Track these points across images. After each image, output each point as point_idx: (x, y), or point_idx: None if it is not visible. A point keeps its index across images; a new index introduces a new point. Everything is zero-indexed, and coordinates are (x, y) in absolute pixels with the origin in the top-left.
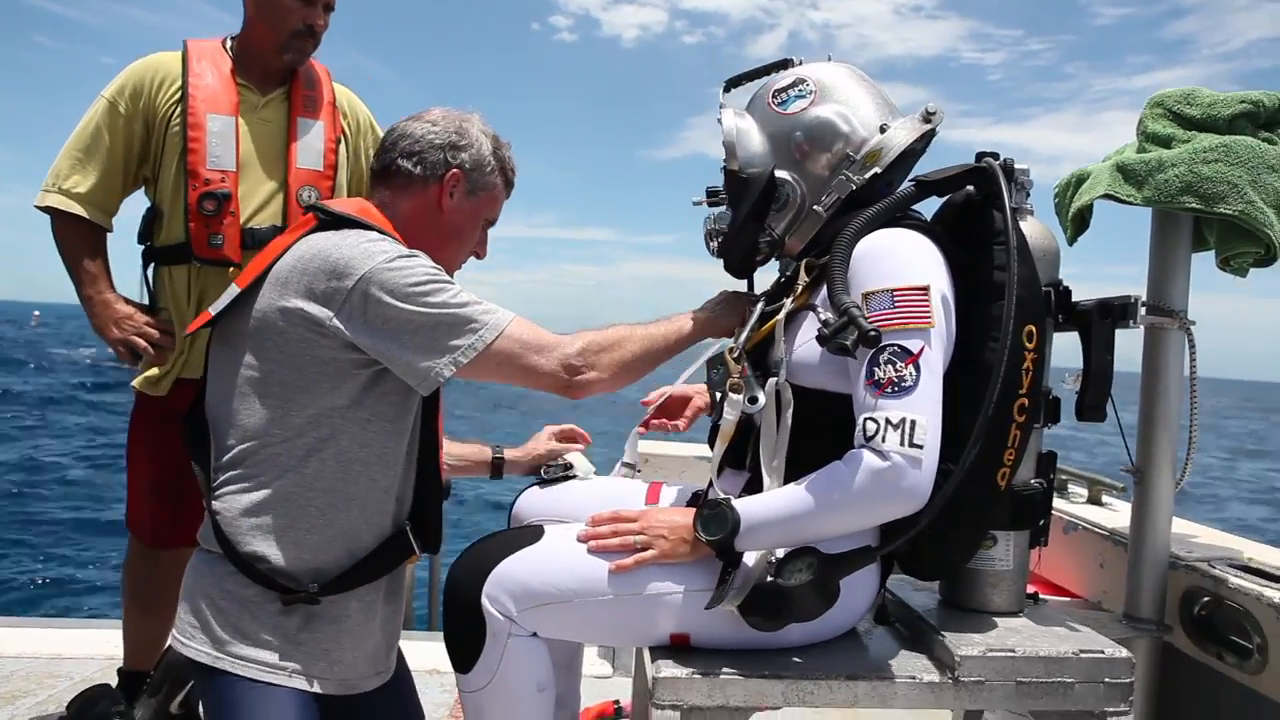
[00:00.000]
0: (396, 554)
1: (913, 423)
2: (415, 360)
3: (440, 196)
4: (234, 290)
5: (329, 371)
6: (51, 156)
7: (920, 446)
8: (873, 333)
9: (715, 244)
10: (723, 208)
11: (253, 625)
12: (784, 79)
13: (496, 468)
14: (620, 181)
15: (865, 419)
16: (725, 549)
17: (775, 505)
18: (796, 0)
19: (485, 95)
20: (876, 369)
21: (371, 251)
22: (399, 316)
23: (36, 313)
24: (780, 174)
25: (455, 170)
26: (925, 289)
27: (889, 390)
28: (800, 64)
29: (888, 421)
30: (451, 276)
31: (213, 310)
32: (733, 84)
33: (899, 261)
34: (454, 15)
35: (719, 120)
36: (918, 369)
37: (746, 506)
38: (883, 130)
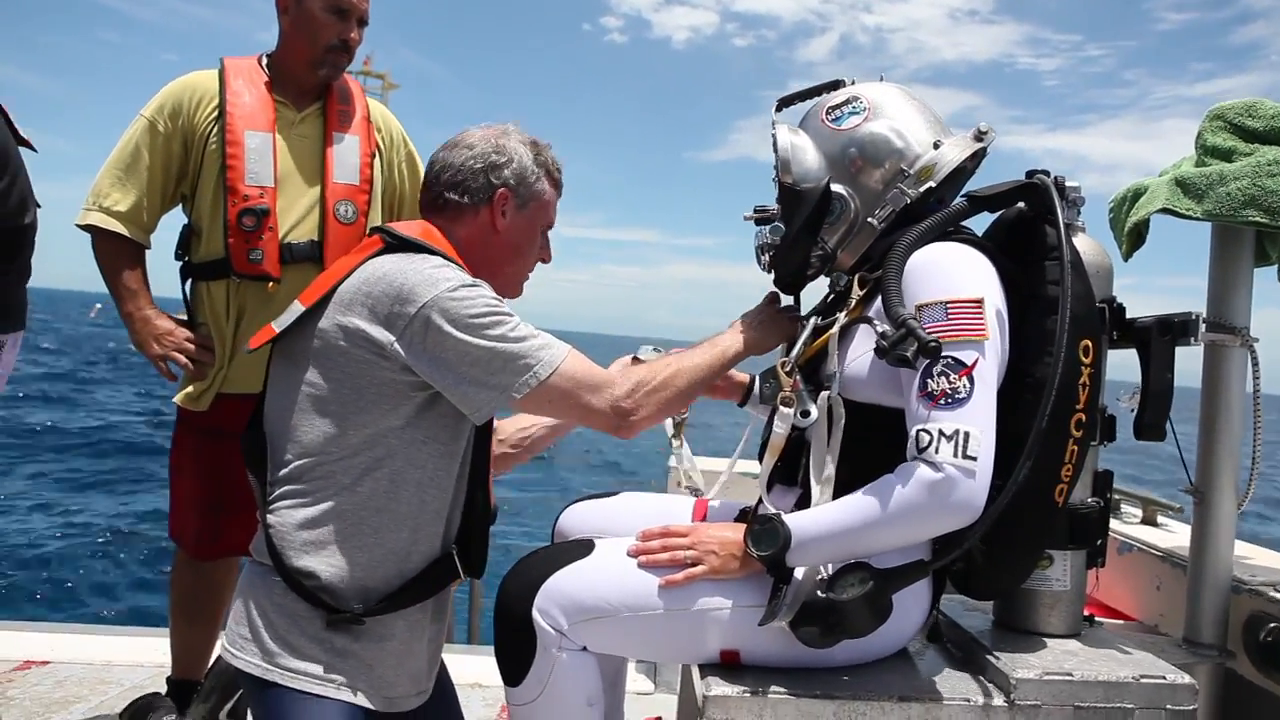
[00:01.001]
0: (442, 576)
1: (966, 434)
2: (470, 391)
3: (493, 219)
4: (298, 308)
5: (387, 393)
6: (108, 150)
7: (974, 458)
8: (933, 343)
9: (767, 258)
10: (772, 224)
11: (301, 639)
12: (837, 97)
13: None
14: (666, 183)
15: (918, 430)
16: (776, 564)
17: (826, 519)
18: (849, 4)
19: (535, 95)
20: (930, 381)
21: (436, 279)
22: (458, 347)
23: (98, 305)
24: (835, 188)
25: (502, 190)
26: (979, 302)
27: (942, 402)
28: (852, 84)
29: (941, 433)
30: (520, 288)
31: (277, 326)
32: (785, 103)
33: (952, 274)
34: (506, 16)
35: (773, 136)
36: (971, 381)
37: (798, 521)
38: (936, 147)
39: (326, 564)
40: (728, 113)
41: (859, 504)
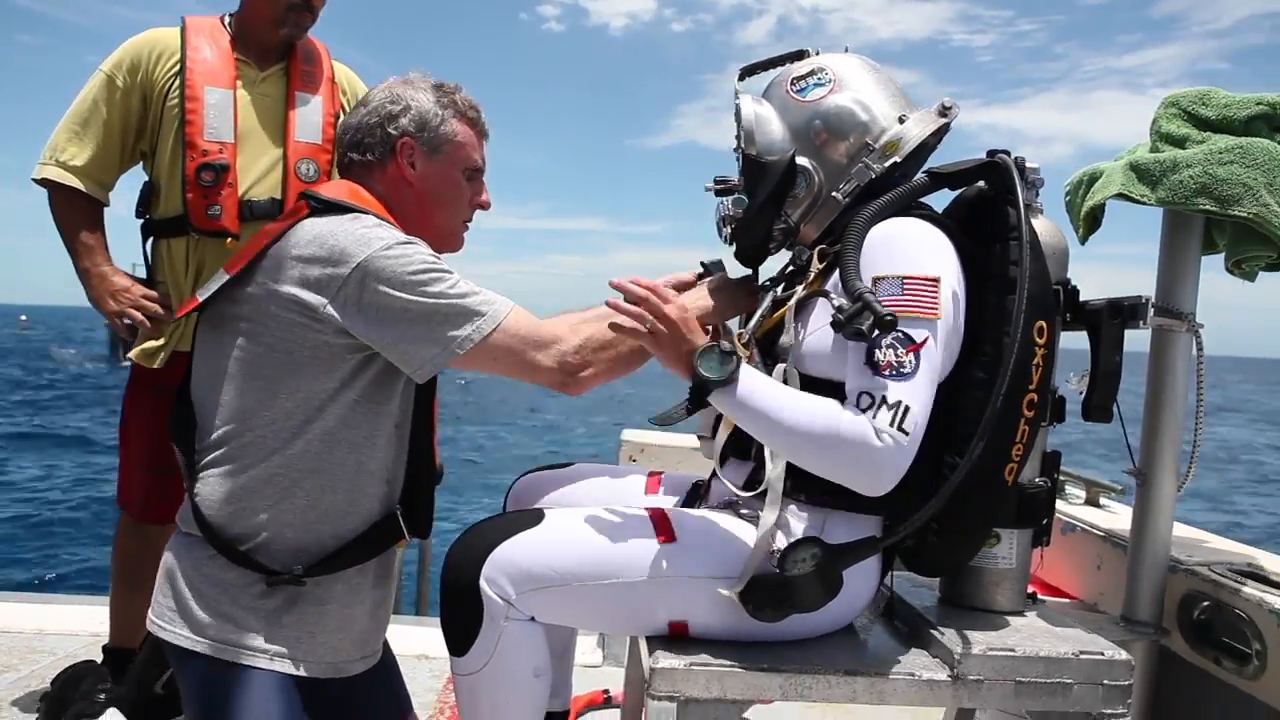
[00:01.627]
0: (385, 537)
1: (906, 408)
2: (411, 349)
3: (401, 171)
4: (223, 275)
5: (321, 356)
6: (33, 158)
7: (907, 434)
8: (889, 318)
9: (729, 229)
10: (734, 196)
11: (233, 608)
12: (802, 67)
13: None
14: (610, 171)
15: (861, 391)
16: (701, 389)
17: (769, 396)
18: None
19: (473, 85)
20: (877, 351)
21: (368, 238)
22: (395, 305)
23: (23, 316)
24: (800, 160)
25: (402, 139)
26: (936, 280)
27: (887, 373)
28: (817, 54)
29: (884, 399)
30: (459, 239)
31: (200, 295)
32: (748, 72)
33: (911, 250)
34: (441, 6)
35: (736, 107)
36: (918, 358)
37: (748, 380)
38: (901, 121)
39: (260, 528)
40: (669, 98)
41: (802, 411)
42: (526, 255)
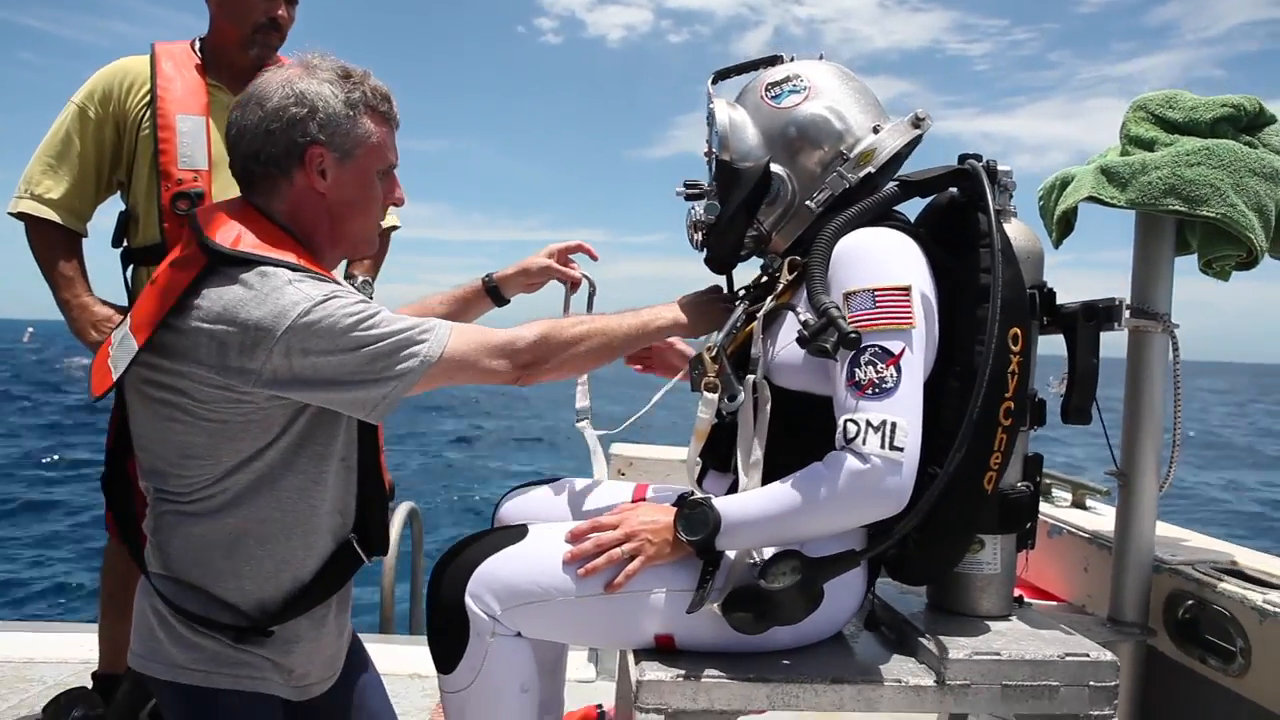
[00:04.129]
0: (344, 569)
1: (894, 425)
2: (360, 395)
3: (310, 182)
4: (132, 345)
5: (255, 419)
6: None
7: (901, 449)
8: (853, 334)
9: (700, 235)
10: (705, 201)
11: (205, 641)
12: (777, 74)
13: (494, 293)
14: (609, 182)
15: (846, 420)
16: (706, 549)
17: (755, 505)
18: None
19: (471, 98)
20: (857, 370)
21: (283, 306)
22: (331, 365)
23: (30, 329)
24: (774, 168)
25: (312, 148)
26: (907, 289)
27: (870, 392)
28: (791, 60)
29: (868, 423)
30: (373, 241)
31: (114, 367)
32: (721, 76)
33: (881, 261)
34: (438, 20)
35: (709, 110)
36: (899, 370)
37: (726, 506)
38: (875, 131)
39: (218, 584)
40: (666, 109)
41: (787, 491)
42: None
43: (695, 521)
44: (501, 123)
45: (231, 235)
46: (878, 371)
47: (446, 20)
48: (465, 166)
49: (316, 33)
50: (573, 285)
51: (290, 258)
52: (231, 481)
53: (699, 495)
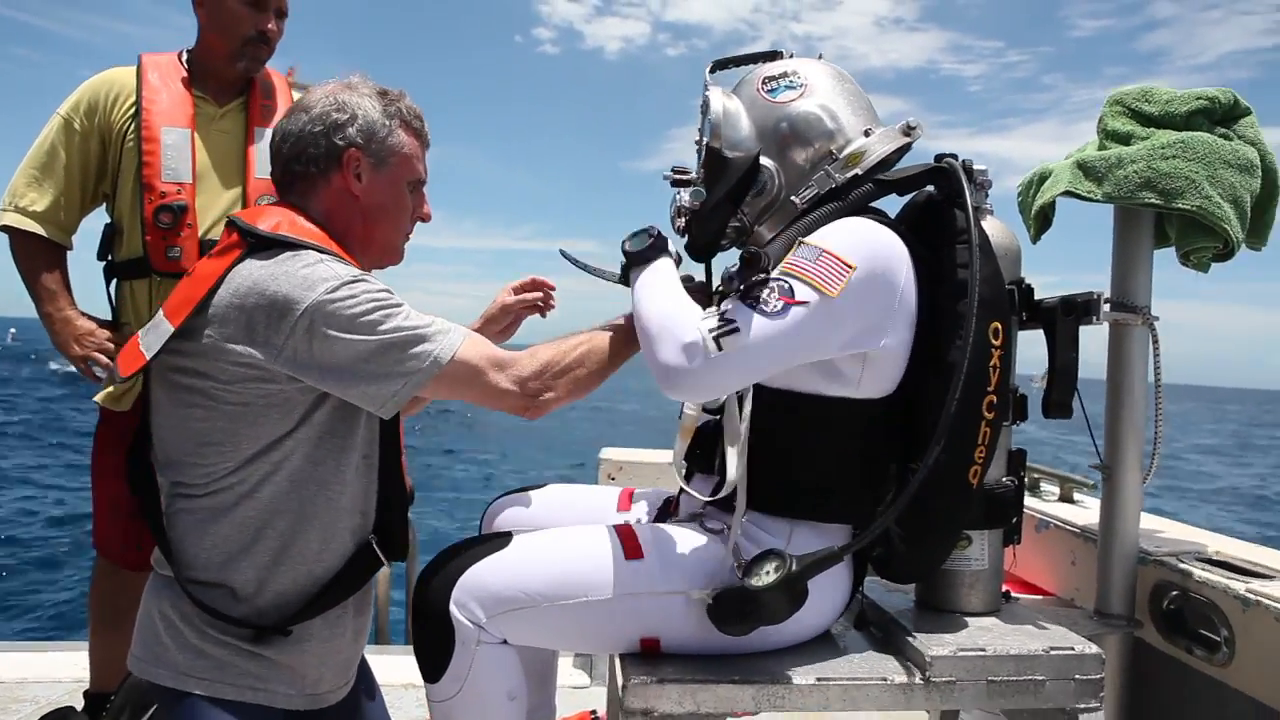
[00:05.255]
0: (363, 570)
1: (735, 330)
2: (371, 389)
3: (347, 184)
4: (167, 327)
5: (275, 403)
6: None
7: (720, 350)
8: (762, 276)
9: (683, 221)
10: (691, 189)
11: (214, 648)
12: (774, 68)
13: None
14: (604, 192)
15: (713, 309)
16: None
17: (659, 282)
18: (779, 13)
19: (468, 107)
20: (754, 287)
21: (311, 281)
22: (347, 349)
23: (12, 330)
24: (763, 161)
25: (350, 150)
26: (851, 268)
27: (748, 302)
28: (791, 57)
29: (724, 313)
30: (400, 252)
31: (146, 350)
32: (719, 66)
33: (844, 236)
34: (436, 29)
35: (705, 98)
36: (786, 310)
37: (662, 266)
38: (866, 134)
39: (236, 577)
40: (662, 121)
41: (664, 297)
42: (517, 276)
43: (638, 240)
44: (496, 131)
45: (270, 223)
46: (767, 294)
47: (445, 28)
48: (458, 174)
49: (315, 39)
50: (544, 311)
51: (327, 246)
52: (250, 471)
53: (692, 494)
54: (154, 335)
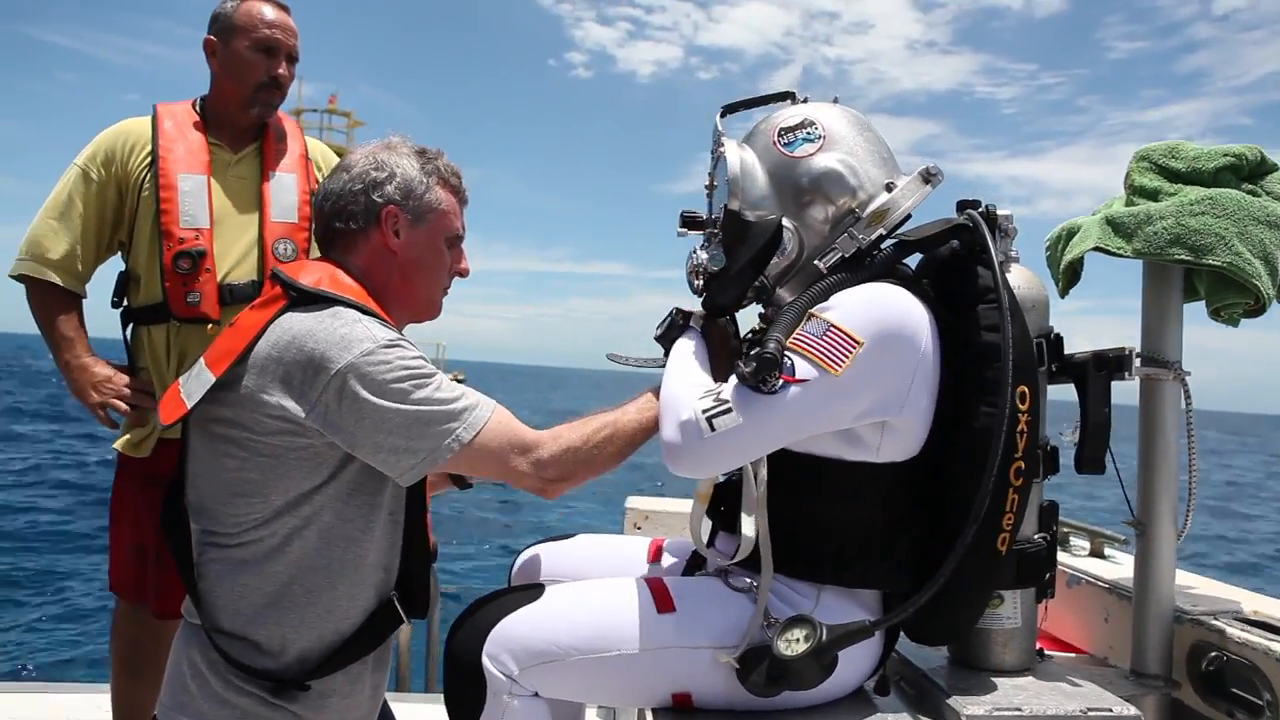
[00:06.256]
0: (384, 627)
1: (727, 411)
2: (391, 459)
3: (385, 240)
4: (209, 377)
5: (306, 457)
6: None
7: (713, 430)
8: (769, 355)
9: (700, 281)
10: (710, 248)
11: (239, 697)
12: (790, 118)
13: (458, 478)
14: (634, 215)
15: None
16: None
17: (685, 356)
18: (810, 36)
19: (501, 129)
20: (755, 371)
21: (349, 341)
22: (376, 414)
23: None
24: (784, 223)
25: (388, 207)
26: (857, 344)
27: (748, 382)
28: (804, 101)
29: (718, 394)
30: (438, 307)
31: (188, 398)
32: (730, 110)
33: (856, 306)
34: (470, 52)
35: (718, 147)
36: (785, 389)
37: (696, 341)
38: (889, 189)
39: (261, 631)
40: (693, 144)
41: (681, 372)
42: (548, 298)
43: (669, 323)
44: (528, 153)
45: (313, 279)
46: (768, 375)
47: (480, 52)
48: (490, 196)
49: (354, 67)
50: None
51: (366, 304)
52: (280, 525)
53: (713, 557)
54: (196, 384)
